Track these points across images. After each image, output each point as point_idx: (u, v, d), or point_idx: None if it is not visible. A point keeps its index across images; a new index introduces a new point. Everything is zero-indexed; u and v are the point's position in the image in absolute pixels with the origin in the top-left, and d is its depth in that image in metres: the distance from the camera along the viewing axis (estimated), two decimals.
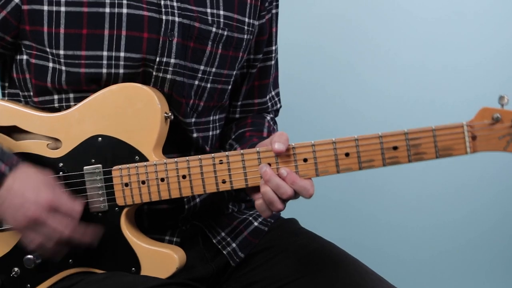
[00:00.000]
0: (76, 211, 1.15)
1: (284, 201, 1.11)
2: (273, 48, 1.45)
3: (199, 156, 1.16)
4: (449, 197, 2.63)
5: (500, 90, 2.54)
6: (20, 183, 1.12)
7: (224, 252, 1.32)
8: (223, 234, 1.34)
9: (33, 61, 1.24)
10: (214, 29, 1.28)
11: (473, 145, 1.07)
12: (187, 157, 1.16)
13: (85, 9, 1.20)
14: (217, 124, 1.39)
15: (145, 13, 1.22)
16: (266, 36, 1.41)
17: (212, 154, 1.15)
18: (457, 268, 2.64)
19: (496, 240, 2.68)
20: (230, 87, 1.37)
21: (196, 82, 1.29)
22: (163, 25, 1.22)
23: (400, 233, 2.61)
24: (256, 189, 1.15)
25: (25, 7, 1.21)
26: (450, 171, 2.53)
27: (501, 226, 2.67)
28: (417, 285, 2.57)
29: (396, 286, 1.23)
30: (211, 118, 1.37)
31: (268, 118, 1.47)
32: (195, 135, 1.29)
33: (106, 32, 1.20)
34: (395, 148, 1.09)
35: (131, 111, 1.18)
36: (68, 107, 1.23)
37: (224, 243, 1.33)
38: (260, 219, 1.38)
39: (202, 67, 1.29)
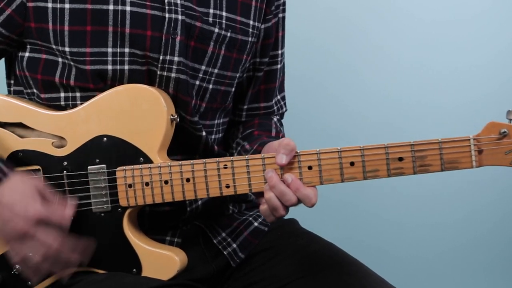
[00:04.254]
0: (65, 220, 1.13)
1: (287, 207, 1.12)
2: (280, 52, 1.44)
3: (204, 160, 1.16)
4: (449, 197, 2.64)
5: (500, 91, 2.55)
6: (9, 196, 1.11)
7: (225, 252, 1.32)
8: (223, 234, 1.34)
9: (44, 56, 1.24)
10: (216, 30, 1.27)
11: (479, 159, 1.07)
12: (191, 161, 1.16)
13: (89, 6, 1.19)
14: (220, 127, 1.39)
15: (149, 11, 1.21)
16: (272, 39, 1.40)
17: (217, 159, 1.15)
18: (457, 267, 2.65)
19: (496, 240, 2.69)
20: (233, 89, 1.36)
21: (197, 82, 1.28)
22: (166, 23, 1.22)
23: (401, 234, 2.62)
24: (262, 193, 1.14)
25: (30, 4, 1.20)
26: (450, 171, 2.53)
27: (501, 227, 2.68)
28: (418, 285, 2.58)
29: (396, 287, 1.23)
30: (216, 121, 1.36)
31: (275, 119, 1.47)
32: (204, 133, 1.28)
33: (110, 29, 1.20)
34: (400, 159, 1.09)
35: (137, 112, 1.18)
36: (75, 105, 1.23)
37: (224, 243, 1.33)
38: (260, 219, 1.38)
39: (203, 67, 1.28)
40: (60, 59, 1.23)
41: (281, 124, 1.50)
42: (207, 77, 1.29)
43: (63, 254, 1.13)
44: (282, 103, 1.51)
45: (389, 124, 2.48)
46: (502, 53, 2.58)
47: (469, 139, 1.07)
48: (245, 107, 1.44)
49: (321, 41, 2.48)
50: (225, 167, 1.15)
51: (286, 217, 1.40)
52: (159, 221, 1.27)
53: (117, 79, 1.21)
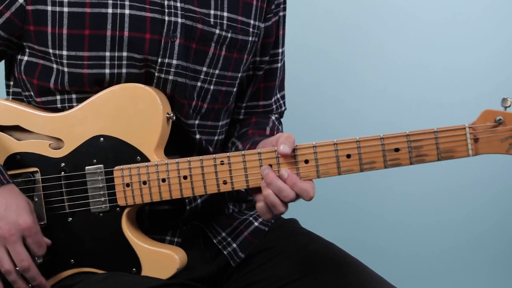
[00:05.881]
0: (43, 246, 1.17)
1: (286, 203, 1.11)
2: (280, 50, 1.44)
3: (200, 156, 1.16)
4: (449, 197, 2.64)
5: (499, 90, 2.56)
6: (4, 200, 1.13)
7: (225, 252, 1.32)
8: (223, 234, 1.34)
9: (41, 62, 1.24)
10: (217, 31, 1.28)
11: (475, 148, 1.07)
12: (188, 158, 1.16)
13: (88, 10, 1.20)
14: (224, 129, 1.39)
15: (148, 14, 1.22)
16: (272, 38, 1.40)
17: (214, 155, 1.15)
18: (457, 267, 2.65)
19: (496, 240, 2.68)
20: (235, 89, 1.37)
21: (199, 84, 1.29)
22: (165, 26, 1.22)
23: (401, 233, 2.62)
24: (258, 189, 1.14)
25: (29, 7, 1.21)
26: (450, 170, 2.53)
27: (501, 226, 2.67)
28: (418, 285, 2.57)
29: (396, 286, 1.23)
30: (220, 123, 1.36)
31: (273, 118, 1.46)
32: (198, 136, 1.28)
33: (109, 33, 1.20)
34: (396, 150, 1.09)
35: (133, 111, 1.18)
36: (71, 107, 1.23)
37: (224, 243, 1.33)
38: (260, 219, 1.38)
39: (204, 69, 1.28)
40: (54, 66, 1.23)
41: (280, 123, 1.50)
42: (208, 78, 1.29)
43: (29, 274, 1.15)
44: (281, 102, 1.51)
45: (388, 124, 2.48)
46: (501, 52, 2.59)
47: (464, 128, 1.06)
48: (244, 105, 1.44)
49: (320, 41, 2.49)
50: (222, 163, 1.15)
51: (286, 217, 1.41)
52: (159, 220, 1.27)
53: (114, 83, 1.21)
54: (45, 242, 1.18)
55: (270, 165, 1.12)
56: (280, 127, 1.47)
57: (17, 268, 1.14)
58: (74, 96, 1.23)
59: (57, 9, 1.20)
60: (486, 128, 1.06)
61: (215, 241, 1.33)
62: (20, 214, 1.13)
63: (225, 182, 1.15)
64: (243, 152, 1.14)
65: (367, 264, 1.28)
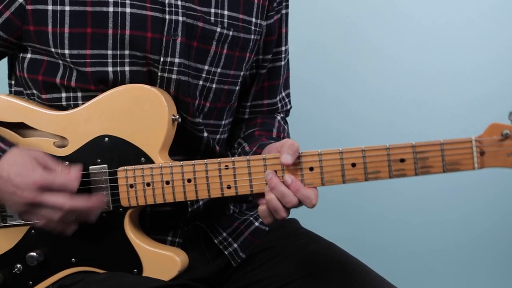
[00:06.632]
0: (71, 183, 1.13)
1: (288, 209, 1.11)
2: (283, 48, 1.44)
3: (205, 160, 1.15)
4: (449, 196, 2.64)
5: (499, 92, 2.55)
6: (8, 170, 1.11)
7: (226, 252, 1.32)
8: (224, 234, 1.34)
9: (46, 58, 1.23)
10: (218, 29, 1.27)
11: (481, 161, 1.06)
12: (193, 161, 1.16)
13: (89, 9, 1.19)
14: (226, 128, 1.39)
15: (149, 12, 1.21)
16: (275, 36, 1.40)
17: (218, 159, 1.15)
18: (457, 267, 2.66)
19: (496, 240, 2.69)
20: (238, 88, 1.36)
21: (201, 82, 1.28)
22: (167, 25, 1.22)
23: (401, 233, 2.62)
24: (262, 194, 1.14)
25: (29, 7, 1.20)
26: None
27: (501, 226, 2.68)
28: (418, 285, 2.58)
29: (396, 286, 1.23)
30: (223, 122, 1.36)
31: (279, 118, 1.46)
32: (205, 134, 1.28)
33: (110, 31, 1.19)
34: (402, 160, 1.09)
35: (139, 112, 1.18)
36: (76, 105, 1.23)
37: (225, 243, 1.33)
38: (261, 219, 1.38)
39: (206, 67, 1.28)
40: (60, 62, 1.23)
41: (286, 122, 1.50)
42: (210, 76, 1.29)
43: (80, 208, 1.13)
44: (286, 100, 1.50)
45: (390, 125, 2.48)
46: (502, 54, 2.59)
47: (471, 141, 1.06)
48: (248, 104, 1.44)
49: (321, 43, 2.49)
50: (227, 167, 1.14)
51: None
52: (160, 221, 1.27)
53: (118, 81, 1.21)
54: (70, 181, 1.13)
55: (275, 171, 1.12)
56: (286, 127, 1.47)
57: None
58: (79, 94, 1.23)
59: (58, 8, 1.19)
60: (493, 142, 1.06)
61: (216, 241, 1.33)
62: (27, 175, 1.10)
63: (229, 187, 1.15)
64: (247, 157, 1.14)
65: (368, 263, 1.28)
